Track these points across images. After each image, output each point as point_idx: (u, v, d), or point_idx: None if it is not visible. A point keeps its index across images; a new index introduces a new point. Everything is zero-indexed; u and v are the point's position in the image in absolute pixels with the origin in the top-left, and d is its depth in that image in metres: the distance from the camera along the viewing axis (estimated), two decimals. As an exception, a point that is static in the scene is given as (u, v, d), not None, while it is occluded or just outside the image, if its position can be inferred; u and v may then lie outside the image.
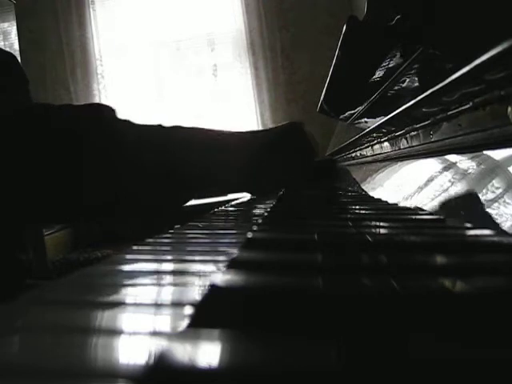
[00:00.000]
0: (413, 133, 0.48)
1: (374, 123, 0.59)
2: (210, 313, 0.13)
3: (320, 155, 0.65)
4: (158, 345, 0.10)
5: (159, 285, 0.17)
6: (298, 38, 2.73)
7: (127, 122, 0.47)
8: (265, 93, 2.75)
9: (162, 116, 2.77)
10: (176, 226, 0.34)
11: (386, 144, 0.61)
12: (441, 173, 0.39)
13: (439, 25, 0.34)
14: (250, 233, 0.26)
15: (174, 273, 0.19)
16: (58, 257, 2.10)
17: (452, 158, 0.38)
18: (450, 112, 0.35)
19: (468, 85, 0.30)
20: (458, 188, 0.34)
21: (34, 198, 0.41)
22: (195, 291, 0.15)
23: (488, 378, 0.09)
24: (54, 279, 0.18)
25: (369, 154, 0.72)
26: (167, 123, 0.50)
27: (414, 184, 0.45)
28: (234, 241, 0.26)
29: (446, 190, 0.36)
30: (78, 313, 0.14)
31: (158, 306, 0.14)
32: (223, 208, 0.52)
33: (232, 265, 0.18)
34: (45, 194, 0.42)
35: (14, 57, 0.64)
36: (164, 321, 0.13)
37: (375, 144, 0.67)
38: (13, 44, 2.71)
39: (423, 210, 0.38)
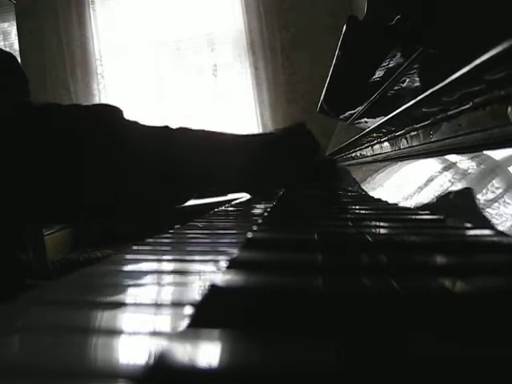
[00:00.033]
0: (413, 133, 0.47)
1: (374, 123, 0.59)
2: (210, 313, 0.13)
3: (320, 155, 0.65)
4: (158, 345, 0.10)
5: (159, 285, 0.17)
6: (298, 38, 2.73)
7: (132, 123, 0.47)
8: (265, 93, 2.75)
9: (161, 116, 2.77)
10: (176, 226, 0.34)
11: (386, 144, 0.61)
12: (441, 173, 0.39)
13: (439, 25, 0.34)
14: (250, 233, 0.26)
15: (174, 273, 0.19)
16: (58, 257, 2.10)
17: (452, 158, 0.38)
18: (450, 112, 0.35)
19: (468, 85, 0.30)
20: (458, 188, 0.34)
21: (34, 197, 0.41)
22: (195, 291, 0.15)
23: (488, 378, 0.09)
24: (54, 279, 0.18)
25: (369, 154, 0.72)
26: (172, 125, 0.50)
27: (414, 184, 0.45)
28: (234, 241, 0.26)
29: (446, 189, 0.36)
30: (78, 313, 0.14)
31: (158, 305, 0.14)
32: (223, 208, 0.52)
33: (232, 265, 0.18)
34: (45, 193, 0.42)
35: (14, 57, 0.64)
36: (164, 321, 0.13)
37: (375, 144, 0.67)
38: (13, 44, 2.71)
39: (423, 210, 0.38)
